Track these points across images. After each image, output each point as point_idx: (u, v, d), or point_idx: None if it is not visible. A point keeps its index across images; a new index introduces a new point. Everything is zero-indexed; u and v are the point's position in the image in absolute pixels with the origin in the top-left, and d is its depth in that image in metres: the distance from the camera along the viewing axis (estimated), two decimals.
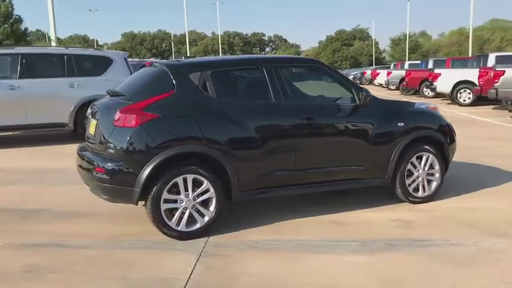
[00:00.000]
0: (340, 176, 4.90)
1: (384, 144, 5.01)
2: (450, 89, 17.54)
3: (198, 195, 4.27)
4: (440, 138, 5.36)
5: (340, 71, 55.29)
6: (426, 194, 5.31)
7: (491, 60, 16.79)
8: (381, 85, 31.66)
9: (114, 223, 4.80)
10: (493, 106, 16.15)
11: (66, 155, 7.76)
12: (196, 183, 4.26)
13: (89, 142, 4.66)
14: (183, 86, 4.37)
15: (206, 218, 4.31)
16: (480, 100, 16.68)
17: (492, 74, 12.56)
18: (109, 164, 4.15)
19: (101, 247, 4.18)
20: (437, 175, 5.34)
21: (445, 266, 3.63)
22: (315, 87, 5.14)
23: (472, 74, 16.95)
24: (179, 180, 4.19)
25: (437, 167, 5.33)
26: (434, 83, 18.08)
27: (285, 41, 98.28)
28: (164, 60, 5.33)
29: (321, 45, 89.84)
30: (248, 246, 4.13)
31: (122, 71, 9.73)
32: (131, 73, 8.46)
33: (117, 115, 4.18)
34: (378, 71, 32.58)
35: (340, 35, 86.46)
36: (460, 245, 4.03)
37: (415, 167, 5.22)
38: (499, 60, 16.48)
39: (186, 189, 4.22)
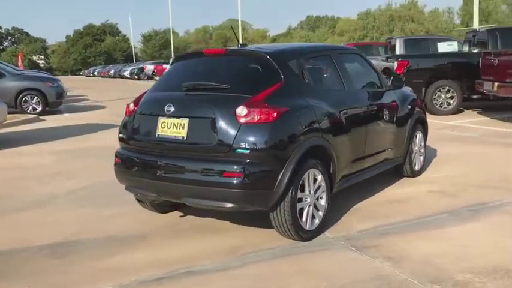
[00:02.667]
0: (382, 158, 5.22)
1: (403, 126, 5.53)
2: None
3: (316, 190, 4.05)
4: (425, 118, 6.18)
5: (109, 67, 52.75)
6: (419, 167, 6.06)
7: None
8: None
9: (208, 238, 4.16)
10: None
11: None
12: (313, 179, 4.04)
13: (167, 145, 3.91)
14: (289, 74, 4.05)
15: (321, 213, 4.13)
16: None
17: None
18: (245, 167, 3.59)
19: (245, 263, 3.61)
20: (423, 150, 6.14)
21: None
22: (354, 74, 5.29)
23: None
24: (306, 176, 3.91)
25: (423, 143, 6.14)
26: None
27: (27, 34, 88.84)
28: (251, 46, 4.72)
29: (69, 40, 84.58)
30: (376, 233, 4.12)
31: None
32: None
33: (245, 110, 3.64)
34: (164, 65, 32.85)
35: (89, 29, 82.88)
36: None
37: (414, 144, 5.91)
38: None
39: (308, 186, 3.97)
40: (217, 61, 4.36)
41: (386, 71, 12.32)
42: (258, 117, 3.63)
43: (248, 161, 3.61)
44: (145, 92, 4.48)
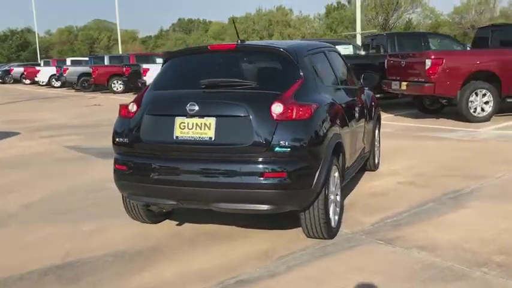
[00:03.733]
0: (362, 153, 5.38)
1: (371, 121, 5.77)
2: None
3: (335, 187, 4.05)
4: (380, 113, 6.51)
5: None
6: (378, 161, 6.36)
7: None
8: (37, 83, 29.97)
9: (227, 245, 3.91)
10: None
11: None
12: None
13: (189, 147, 3.63)
14: (306, 70, 3.98)
15: (338, 209, 4.13)
16: None
17: None
18: (286, 166, 3.46)
19: (290, 267, 3.47)
20: (379, 145, 6.47)
21: None
22: None
23: None
24: (332, 172, 3.88)
25: (379, 137, 6.47)
26: (144, 78, 18.66)
27: None
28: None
29: None
30: (388, 225, 4.22)
31: None
32: None
33: (280, 107, 3.49)
34: (38, 68, 30.29)
35: None
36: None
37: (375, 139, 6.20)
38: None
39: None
40: (229, 57, 4.13)
41: None
42: (295, 114, 3.51)
43: (288, 159, 3.49)
44: (145, 91, 4.09)
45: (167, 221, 4.50)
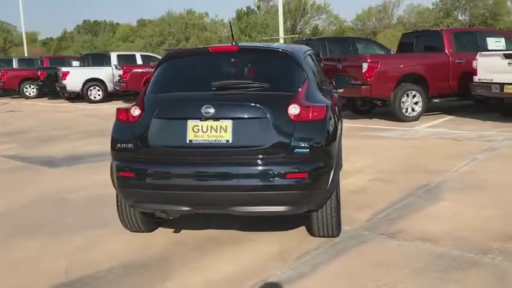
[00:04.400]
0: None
1: (340, 121, 5.97)
2: (80, 86, 17.71)
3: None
4: None
5: None
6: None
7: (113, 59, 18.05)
8: None
9: (238, 249, 3.87)
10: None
11: None
12: None
13: (205, 151, 3.55)
14: (309, 72, 4.04)
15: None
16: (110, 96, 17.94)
17: None
18: (307, 166, 3.50)
19: (314, 266, 3.51)
20: None
21: None
22: None
23: (100, 72, 17.75)
24: None
25: None
26: (64, 82, 17.69)
27: None
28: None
29: None
30: (382, 220, 4.40)
31: None
32: None
33: (297, 108, 3.53)
34: None
35: None
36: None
37: None
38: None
39: None
40: (231, 58, 4.06)
41: None
42: (311, 115, 3.56)
43: (307, 160, 3.52)
44: (144, 94, 3.91)
45: (161, 228, 4.35)
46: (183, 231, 4.28)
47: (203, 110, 3.52)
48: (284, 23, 51.98)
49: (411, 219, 4.44)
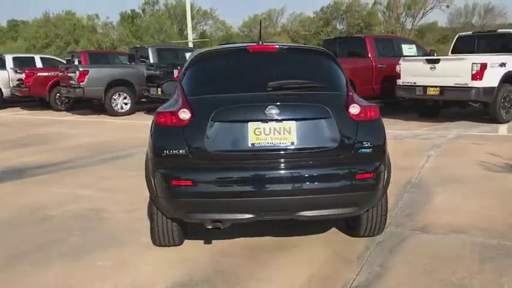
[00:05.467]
0: None
1: None
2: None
3: None
4: None
5: None
6: None
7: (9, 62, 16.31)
8: None
9: (292, 256, 3.73)
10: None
11: None
12: None
13: (268, 154, 3.39)
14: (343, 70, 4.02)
15: None
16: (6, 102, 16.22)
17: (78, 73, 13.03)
18: (372, 166, 3.49)
19: (390, 265, 3.52)
20: None
21: None
22: None
23: None
24: None
25: None
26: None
27: None
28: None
29: None
30: (399, 217, 4.54)
31: None
32: None
33: (357, 108, 3.52)
34: None
35: None
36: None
37: None
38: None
39: None
40: (272, 58, 3.88)
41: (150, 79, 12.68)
42: (369, 114, 3.56)
43: (369, 160, 3.51)
44: (185, 96, 3.60)
45: (187, 241, 4.03)
46: (215, 241, 4.02)
47: (267, 111, 3.35)
48: (170, 28, 51.41)
49: (426, 213, 4.63)
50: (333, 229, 4.22)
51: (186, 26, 56.24)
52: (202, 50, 4.06)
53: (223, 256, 3.76)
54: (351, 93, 3.70)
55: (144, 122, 11.93)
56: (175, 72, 11.70)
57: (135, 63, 14.39)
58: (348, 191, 3.42)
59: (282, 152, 3.39)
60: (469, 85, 9.76)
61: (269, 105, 3.37)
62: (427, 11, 48.62)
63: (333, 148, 3.43)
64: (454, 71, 9.92)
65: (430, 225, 4.29)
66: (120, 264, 3.67)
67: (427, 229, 4.21)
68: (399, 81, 10.85)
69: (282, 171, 3.38)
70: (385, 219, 3.90)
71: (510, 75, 10.05)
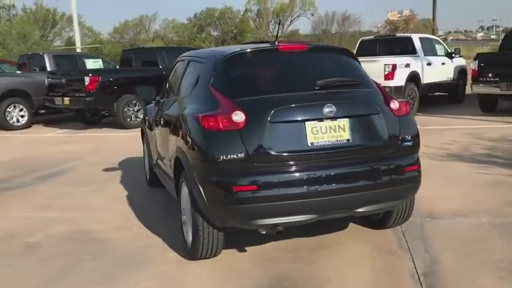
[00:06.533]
0: None
1: None
2: None
3: None
4: None
5: None
6: None
7: None
8: None
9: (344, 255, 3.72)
10: None
11: None
12: None
13: (325, 153, 3.37)
14: None
15: None
16: None
17: None
18: (416, 159, 3.64)
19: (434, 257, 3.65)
20: None
21: None
22: None
23: None
24: None
25: None
26: None
27: None
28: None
29: None
30: None
31: None
32: None
33: (396, 103, 3.66)
34: None
35: None
36: None
37: None
38: None
39: None
40: (302, 57, 3.84)
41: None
42: (405, 109, 3.71)
43: (411, 153, 3.65)
44: (231, 99, 3.41)
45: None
46: (251, 248, 3.86)
47: (325, 109, 3.34)
48: (31, 33, 47.57)
49: (420, 202, 4.79)
50: (351, 224, 4.30)
51: (49, 32, 52.66)
52: (230, 50, 3.87)
53: (268, 262, 3.63)
54: (382, 89, 3.83)
55: (52, 136, 11.03)
56: (87, 79, 11.01)
57: (30, 72, 13.06)
58: (398, 184, 3.53)
59: (339, 150, 3.39)
60: (383, 85, 10.52)
61: (326, 103, 3.35)
62: (294, 19, 51.53)
63: (383, 143, 3.52)
64: (368, 72, 10.59)
65: (434, 212, 4.56)
66: (168, 283, 3.37)
67: (435, 216, 4.47)
68: None
69: (342, 169, 3.38)
70: (412, 209, 4.07)
71: (413, 74, 11.05)
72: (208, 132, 3.31)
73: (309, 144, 3.32)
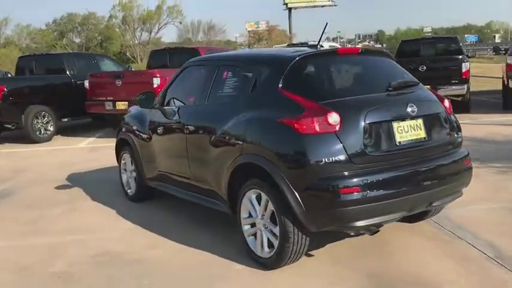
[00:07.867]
0: None
1: None
2: None
3: None
4: None
5: None
6: None
7: None
8: None
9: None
10: None
11: None
12: None
13: (408, 151, 3.49)
14: None
15: None
16: None
17: None
18: (465, 153, 3.89)
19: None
20: None
21: None
22: None
23: None
24: None
25: None
26: None
27: None
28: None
29: None
30: None
31: None
32: None
33: (447, 101, 3.95)
34: None
35: None
36: None
37: None
38: None
39: None
40: (358, 59, 3.99)
41: None
42: (451, 107, 3.98)
43: (460, 147, 3.92)
44: (316, 102, 3.36)
45: None
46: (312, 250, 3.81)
47: (408, 109, 3.47)
48: None
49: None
50: None
51: None
52: (290, 53, 3.80)
53: (344, 269, 3.61)
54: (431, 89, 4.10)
55: None
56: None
57: None
58: (462, 177, 3.78)
59: (419, 148, 3.53)
60: None
61: (409, 103, 3.49)
62: (161, 27, 50.88)
63: (448, 140, 3.77)
64: None
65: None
66: None
67: (448, 206, 4.77)
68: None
69: (426, 166, 3.52)
70: None
71: None
72: (303, 136, 3.22)
73: (397, 143, 3.41)
